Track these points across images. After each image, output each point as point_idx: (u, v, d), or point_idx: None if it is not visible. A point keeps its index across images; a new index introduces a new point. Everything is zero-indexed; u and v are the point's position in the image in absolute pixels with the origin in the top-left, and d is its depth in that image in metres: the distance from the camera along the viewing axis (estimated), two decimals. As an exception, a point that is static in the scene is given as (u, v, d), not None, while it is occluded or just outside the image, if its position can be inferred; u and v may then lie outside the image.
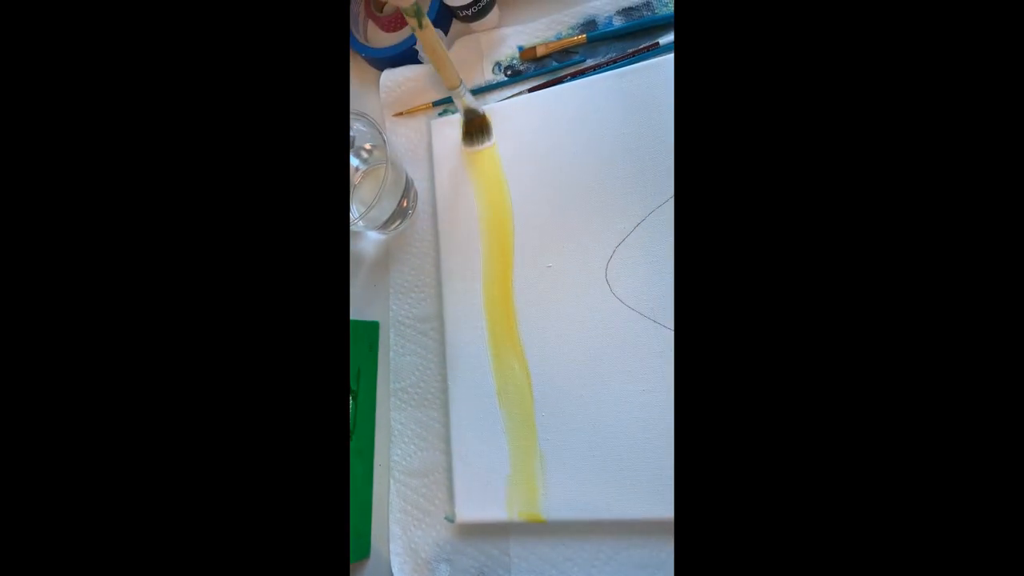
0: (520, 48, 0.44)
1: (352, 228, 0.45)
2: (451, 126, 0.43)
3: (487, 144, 0.40)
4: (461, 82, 0.38)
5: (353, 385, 0.41)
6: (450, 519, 0.38)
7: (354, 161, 0.43)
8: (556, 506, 0.35)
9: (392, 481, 0.41)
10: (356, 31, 0.48)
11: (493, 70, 0.44)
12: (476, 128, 0.40)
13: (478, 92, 0.44)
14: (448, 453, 0.39)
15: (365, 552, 0.40)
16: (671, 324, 0.35)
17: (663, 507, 0.33)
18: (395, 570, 0.39)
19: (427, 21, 0.35)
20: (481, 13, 0.44)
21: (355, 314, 0.44)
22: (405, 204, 0.43)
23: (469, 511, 0.37)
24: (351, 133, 0.41)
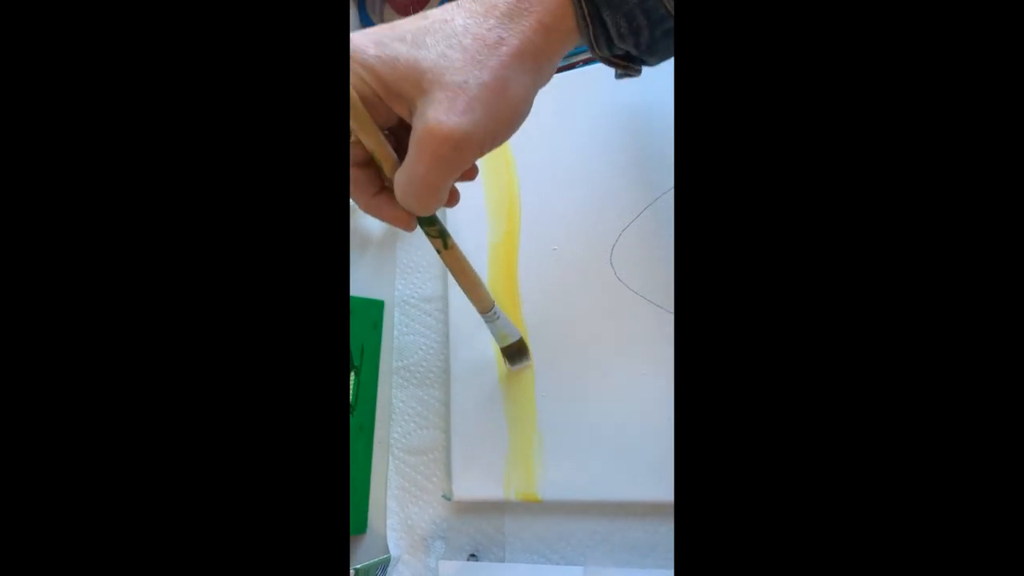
0: (533, 34, 0.44)
1: (361, 207, 0.45)
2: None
3: (527, 363, 0.36)
4: (494, 304, 0.32)
5: (356, 362, 0.41)
6: (447, 497, 0.39)
7: (365, 140, 0.43)
8: (553, 486, 0.36)
9: (391, 458, 0.41)
10: (372, 14, 0.48)
11: (506, 55, 0.45)
12: (515, 351, 0.35)
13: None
14: (448, 432, 0.40)
15: (362, 527, 0.40)
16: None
17: (659, 489, 0.33)
18: (391, 546, 0.39)
19: (452, 241, 0.29)
20: None
21: (361, 292, 0.45)
22: (414, 185, 0.43)
23: (466, 489, 0.38)
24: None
